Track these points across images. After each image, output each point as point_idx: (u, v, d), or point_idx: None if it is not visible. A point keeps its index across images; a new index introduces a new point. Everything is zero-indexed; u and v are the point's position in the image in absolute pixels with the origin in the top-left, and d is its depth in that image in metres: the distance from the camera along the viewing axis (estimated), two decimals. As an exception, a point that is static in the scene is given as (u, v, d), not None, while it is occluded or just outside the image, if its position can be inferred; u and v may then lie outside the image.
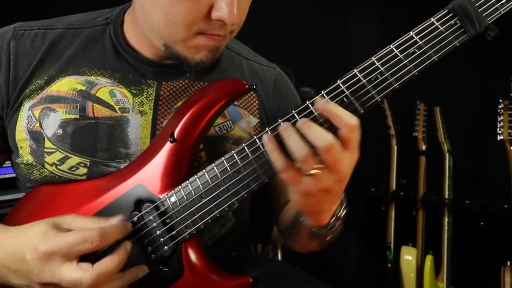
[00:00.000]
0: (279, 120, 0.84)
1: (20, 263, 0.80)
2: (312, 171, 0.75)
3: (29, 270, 0.79)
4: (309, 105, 0.84)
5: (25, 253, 0.79)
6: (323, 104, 0.77)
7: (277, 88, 1.20)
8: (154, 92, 1.03)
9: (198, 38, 0.92)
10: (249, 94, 1.12)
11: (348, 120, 0.74)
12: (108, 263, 0.79)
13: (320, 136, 0.74)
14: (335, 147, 0.73)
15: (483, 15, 0.84)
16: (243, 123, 1.09)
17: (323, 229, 0.90)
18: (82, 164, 0.97)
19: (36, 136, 0.97)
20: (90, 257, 0.81)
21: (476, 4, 0.84)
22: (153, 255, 0.90)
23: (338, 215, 0.91)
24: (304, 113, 0.84)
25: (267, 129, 0.85)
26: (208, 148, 1.03)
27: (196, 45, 0.93)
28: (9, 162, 1.09)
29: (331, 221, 0.90)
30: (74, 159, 0.97)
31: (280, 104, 1.19)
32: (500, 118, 2.38)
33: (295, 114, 0.85)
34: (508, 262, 2.28)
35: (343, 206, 0.92)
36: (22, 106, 0.98)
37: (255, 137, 0.86)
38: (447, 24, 0.84)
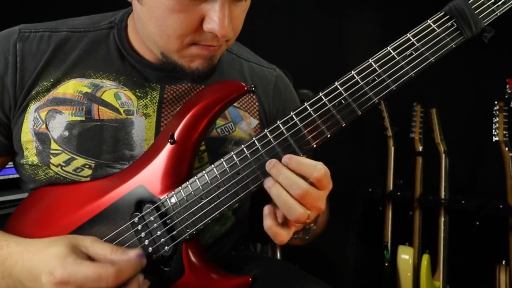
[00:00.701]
0: (278, 122, 0.85)
1: (34, 283, 0.81)
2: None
3: None
4: (307, 106, 0.85)
5: (41, 274, 0.79)
6: (287, 160, 0.81)
7: (277, 89, 1.20)
8: (157, 95, 1.03)
9: (192, 48, 0.92)
10: (249, 96, 1.12)
11: (313, 173, 0.79)
12: None
13: (296, 184, 0.78)
14: (310, 192, 0.79)
15: (480, 17, 0.84)
16: (243, 125, 1.09)
17: (304, 231, 0.95)
18: (87, 166, 0.97)
19: (42, 138, 0.97)
20: None
21: (473, 6, 0.84)
22: (154, 255, 0.89)
23: (315, 222, 0.94)
24: (302, 115, 0.84)
25: (265, 130, 0.85)
26: (210, 149, 1.03)
27: (190, 54, 0.93)
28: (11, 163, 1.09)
29: (310, 226, 0.94)
30: (80, 161, 0.97)
31: (280, 105, 1.19)
32: (495, 120, 2.38)
33: (293, 116, 0.85)
34: (503, 261, 2.28)
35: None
36: (28, 108, 0.98)
37: (254, 138, 0.86)
38: (444, 26, 0.84)
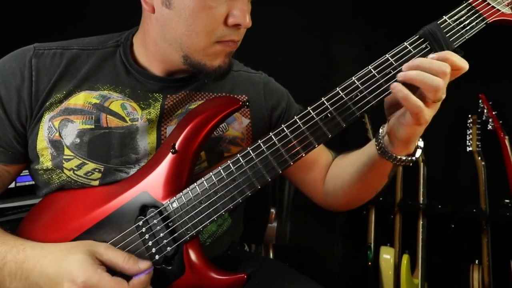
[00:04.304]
0: (270, 133, 0.87)
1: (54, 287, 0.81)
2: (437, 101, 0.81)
3: None
4: (297, 120, 0.86)
5: (63, 281, 0.79)
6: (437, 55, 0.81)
7: (267, 89, 1.21)
8: (159, 104, 1.04)
9: (216, 45, 0.96)
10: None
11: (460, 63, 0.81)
12: None
13: (442, 65, 0.79)
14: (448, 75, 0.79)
15: (450, 40, 0.86)
16: (236, 124, 1.11)
17: (409, 157, 0.91)
18: (97, 170, 0.98)
19: (56, 145, 0.98)
20: None
21: (444, 30, 0.86)
22: (158, 256, 0.90)
23: (419, 146, 0.93)
24: (293, 127, 0.86)
25: (259, 141, 0.87)
26: (207, 148, 1.04)
27: (214, 52, 0.97)
28: (26, 171, 1.09)
29: (416, 150, 0.92)
30: (90, 165, 0.97)
31: (273, 101, 1.20)
32: (469, 132, 2.40)
33: (284, 128, 0.87)
34: (476, 261, 2.30)
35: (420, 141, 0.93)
36: (43, 118, 0.99)
37: (248, 148, 0.88)
38: (419, 48, 0.86)
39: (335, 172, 1.15)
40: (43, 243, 0.88)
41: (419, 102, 0.78)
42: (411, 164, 0.92)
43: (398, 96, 0.80)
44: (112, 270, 0.83)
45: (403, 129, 0.84)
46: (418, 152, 0.91)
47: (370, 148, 0.97)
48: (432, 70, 0.78)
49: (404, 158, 0.90)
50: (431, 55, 0.80)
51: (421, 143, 0.91)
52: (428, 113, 0.81)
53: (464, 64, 0.80)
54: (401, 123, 0.84)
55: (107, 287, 0.79)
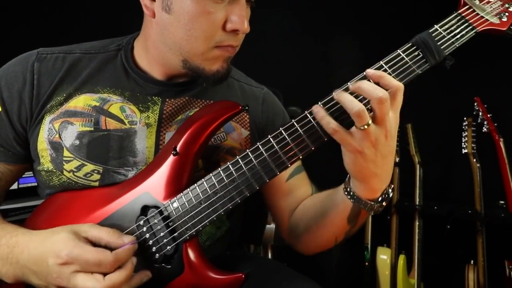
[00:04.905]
0: (269, 136, 0.87)
1: (41, 266, 0.82)
2: (363, 127, 0.76)
3: (49, 273, 0.81)
4: (294, 123, 0.87)
5: (48, 258, 0.81)
6: (373, 73, 0.80)
7: (266, 104, 1.21)
8: (158, 108, 1.04)
9: (214, 50, 0.96)
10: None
11: (394, 83, 0.78)
12: (118, 276, 0.82)
13: (375, 89, 0.76)
14: (387, 100, 0.75)
15: (441, 48, 0.88)
16: (235, 135, 1.11)
17: (373, 202, 0.88)
18: (96, 171, 0.98)
19: (56, 146, 0.98)
20: None
21: (435, 39, 0.88)
22: (157, 254, 0.91)
23: (387, 193, 0.90)
24: (290, 130, 0.86)
25: (258, 143, 0.88)
26: (204, 156, 1.04)
27: (213, 56, 0.97)
28: (30, 173, 1.10)
29: (382, 196, 0.89)
30: (89, 167, 0.98)
31: (269, 117, 1.20)
32: (464, 134, 2.41)
33: (282, 131, 0.87)
34: (472, 261, 2.30)
35: (391, 188, 0.91)
36: (43, 120, 1.00)
37: (247, 151, 0.88)
38: (411, 55, 0.87)
39: (304, 208, 1.12)
40: (34, 231, 0.89)
41: (333, 125, 0.79)
42: (372, 213, 0.90)
43: (317, 117, 0.82)
44: (98, 246, 0.84)
45: (347, 163, 0.84)
46: (384, 200, 0.90)
47: (338, 189, 0.96)
48: (365, 93, 0.77)
49: (369, 202, 0.88)
50: (368, 70, 0.81)
51: (390, 191, 0.90)
52: (358, 142, 0.78)
53: (396, 83, 0.78)
54: (344, 153, 0.84)
55: (90, 255, 0.80)
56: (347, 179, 0.91)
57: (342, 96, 0.78)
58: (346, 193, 0.90)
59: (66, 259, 0.79)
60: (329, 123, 0.79)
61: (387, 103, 0.75)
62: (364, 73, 0.82)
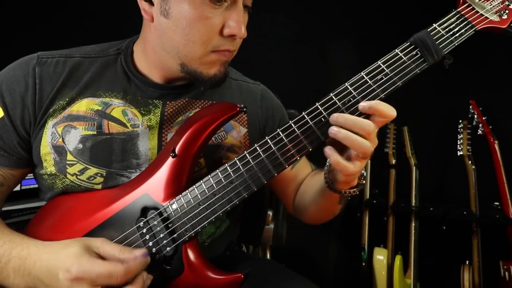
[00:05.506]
0: (266, 138, 0.87)
1: (52, 280, 0.81)
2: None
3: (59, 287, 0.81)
4: (292, 124, 0.86)
5: (59, 272, 0.80)
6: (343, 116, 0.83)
7: (264, 101, 1.22)
8: (159, 111, 1.04)
9: (212, 55, 0.96)
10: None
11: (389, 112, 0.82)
12: None
13: (366, 124, 0.80)
14: (374, 131, 0.81)
15: (440, 47, 0.87)
16: (234, 133, 1.11)
17: (353, 189, 0.94)
18: (99, 174, 0.98)
19: (60, 150, 0.98)
20: None
21: (434, 38, 0.87)
22: (157, 255, 0.90)
23: (362, 178, 0.96)
24: (288, 131, 0.86)
25: (256, 145, 0.87)
26: (206, 155, 1.05)
27: (210, 61, 0.97)
28: (31, 175, 1.10)
29: (359, 183, 0.95)
30: (92, 170, 0.98)
31: (268, 113, 1.21)
32: (460, 136, 2.41)
33: (279, 132, 0.87)
34: (467, 262, 2.30)
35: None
36: (46, 124, 0.99)
37: (245, 152, 0.88)
38: (409, 55, 0.86)
39: (302, 190, 1.18)
40: (46, 242, 0.88)
41: (346, 165, 0.84)
42: (357, 193, 0.96)
43: (330, 160, 0.85)
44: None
45: (339, 176, 0.89)
46: (361, 185, 0.96)
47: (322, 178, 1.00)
48: (357, 130, 0.81)
49: (348, 191, 0.94)
50: (362, 103, 0.83)
51: (364, 176, 0.97)
52: (358, 168, 0.85)
53: (391, 113, 0.81)
54: (336, 171, 0.89)
55: (101, 268, 0.79)
56: (326, 175, 0.95)
57: (348, 137, 0.82)
58: (328, 187, 0.95)
59: (76, 275, 0.79)
60: (340, 162, 0.84)
61: (373, 133, 0.82)
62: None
